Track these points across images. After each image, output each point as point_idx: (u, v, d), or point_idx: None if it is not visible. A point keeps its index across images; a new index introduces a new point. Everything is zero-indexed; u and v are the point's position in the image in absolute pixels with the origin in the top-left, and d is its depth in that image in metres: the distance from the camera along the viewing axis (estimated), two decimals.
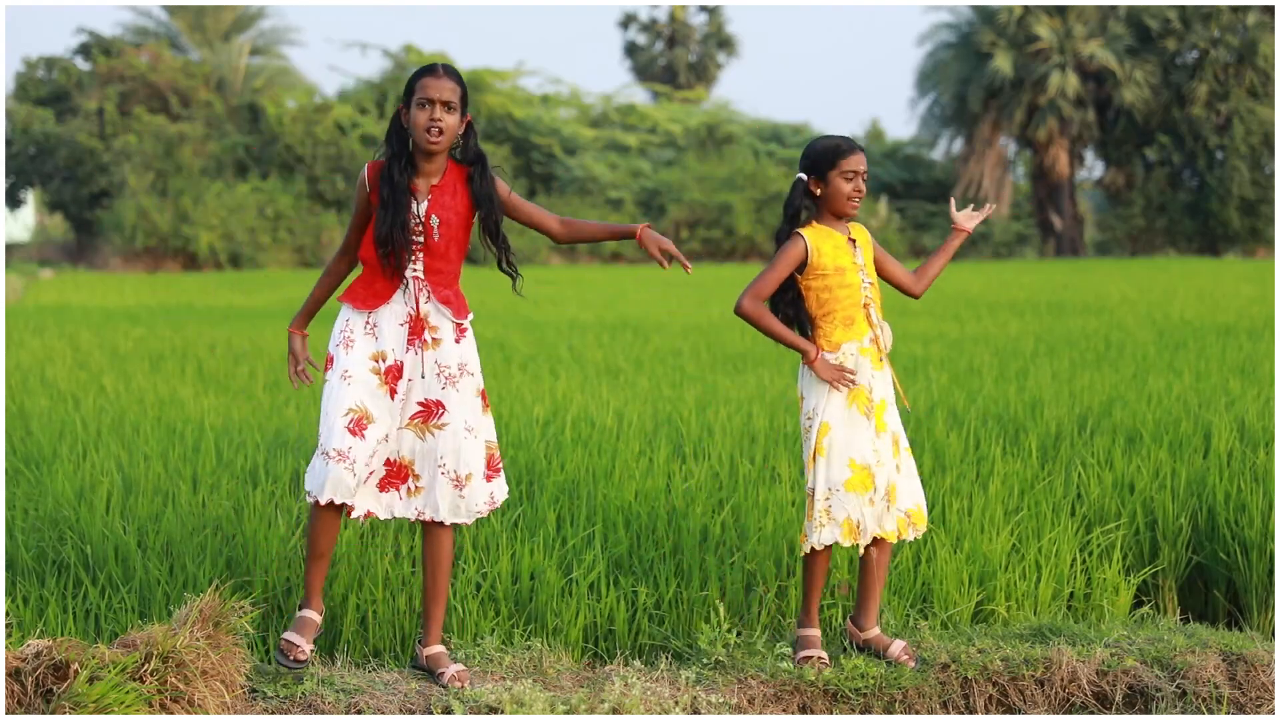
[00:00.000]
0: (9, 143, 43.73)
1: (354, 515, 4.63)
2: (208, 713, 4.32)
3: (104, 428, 8.24)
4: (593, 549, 5.72)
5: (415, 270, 4.65)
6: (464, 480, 4.64)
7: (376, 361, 4.60)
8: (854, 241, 5.02)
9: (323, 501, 4.52)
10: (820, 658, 5.00)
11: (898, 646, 5.07)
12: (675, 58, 68.00)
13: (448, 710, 4.56)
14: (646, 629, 5.35)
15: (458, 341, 4.70)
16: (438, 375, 4.65)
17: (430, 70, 4.63)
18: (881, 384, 4.99)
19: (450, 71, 4.64)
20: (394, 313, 4.63)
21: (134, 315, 19.32)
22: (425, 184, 4.68)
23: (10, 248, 48.78)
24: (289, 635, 4.65)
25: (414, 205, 4.64)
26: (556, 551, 5.62)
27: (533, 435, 7.58)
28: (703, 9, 68.67)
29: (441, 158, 4.69)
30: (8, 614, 4.94)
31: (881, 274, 5.16)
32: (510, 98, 50.30)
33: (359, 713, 4.53)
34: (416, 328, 4.63)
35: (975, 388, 9.60)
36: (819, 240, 4.97)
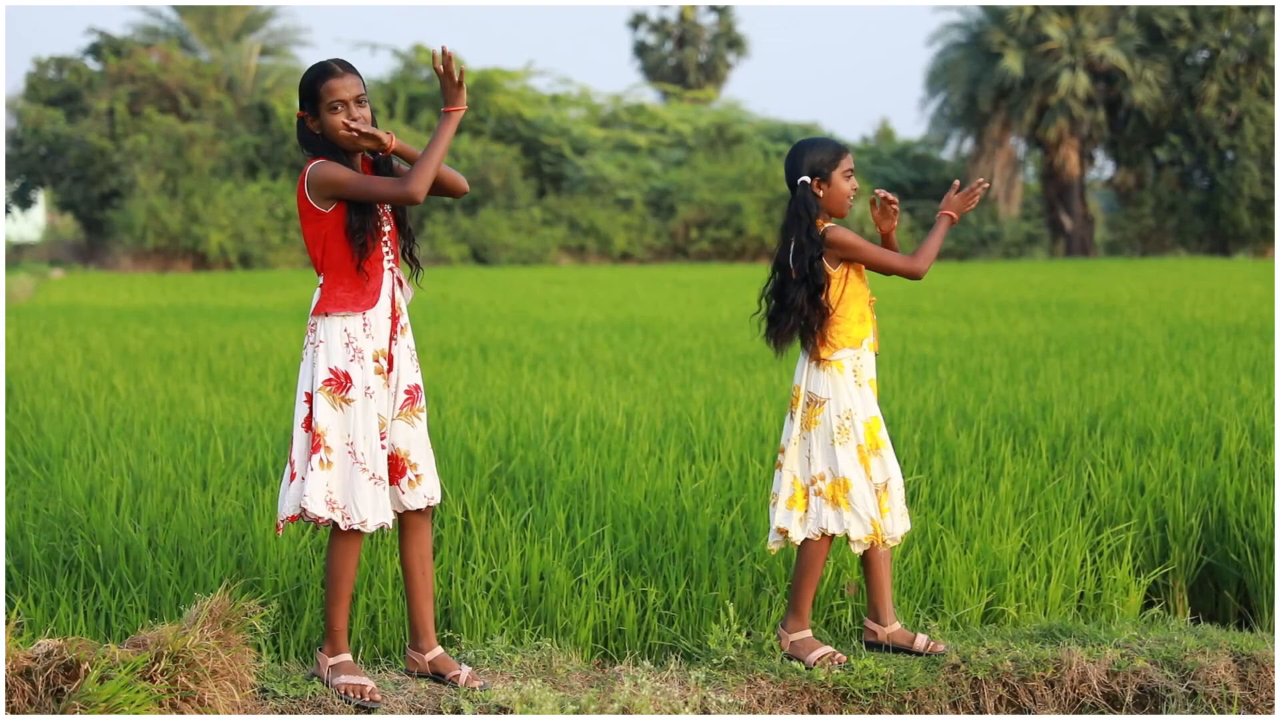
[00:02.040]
0: (19, 143, 43.81)
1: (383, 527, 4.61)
2: (218, 712, 4.32)
3: (114, 427, 8.25)
4: (602, 549, 5.72)
5: (389, 262, 4.63)
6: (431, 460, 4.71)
7: (379, 361, 4.58)
8: None
9: (374, 527, 4.52)
10: (835, 655, 5.00)
11: (922, 640, 5.07)
12: (685, 58, 67.98)
13: (457, 710, 4.56)
14: (656, 629, 5.35)
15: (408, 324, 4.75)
16: (411, 359, 4.67)
17: (330, 72, 4.54)
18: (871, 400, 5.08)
19: (348, 66, 4.57)
20: (384, 308, 4.61)
21: (144, 315, 19.35)
22: None
23: (21, 247, 48.86)
24: (350, 680, 4.61)
25: None
26: (566, 551, 5.62)
27: (542, 435, 7.59)
28: (712, 9, 68.64)
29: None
30: (19, 613, 4.95)
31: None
32: (520, 98, 50.29)
33: (370, 713, 4.53)
34: (395, 317, 4.64)
35: (985, 388, 9.59)
36: None
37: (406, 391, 4.63)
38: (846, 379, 4.98)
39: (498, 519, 6.03)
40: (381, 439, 4.55)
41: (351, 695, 4.57)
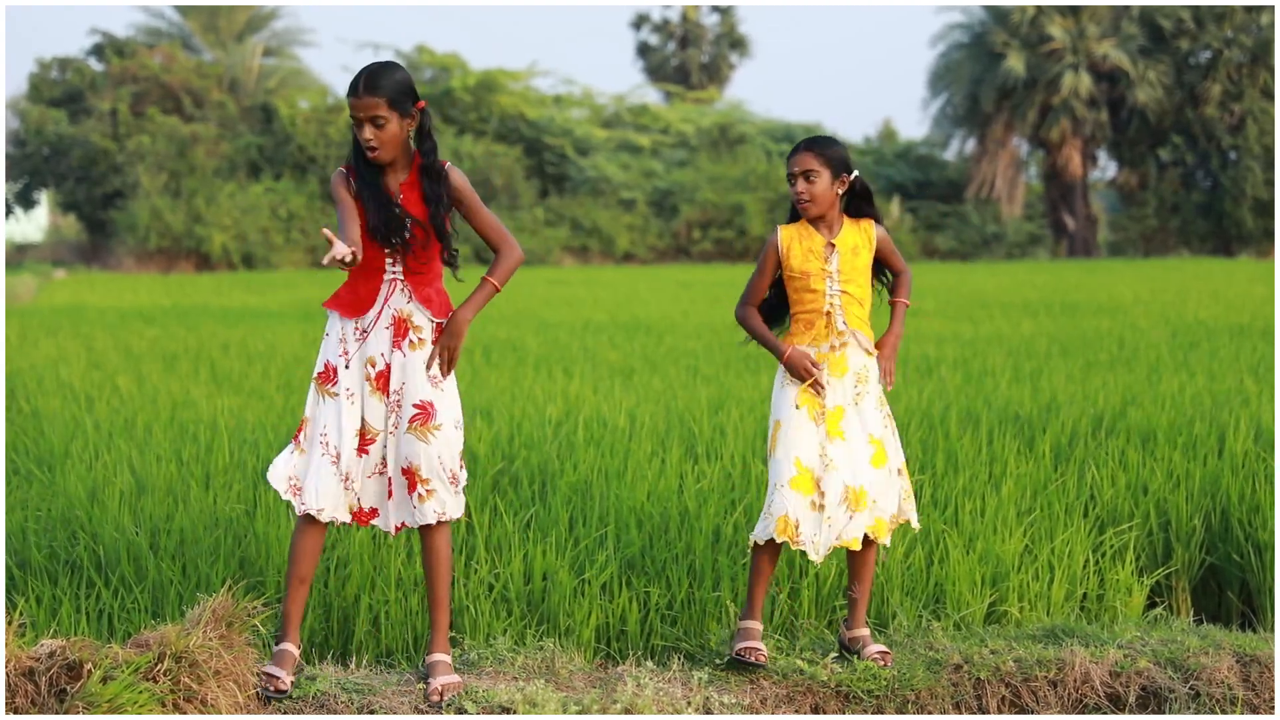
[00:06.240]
0: (23, 143, 43.86)
1: (378, 525, 4.67)
2: (220, 713, 4.32)
3: (116, 428, 8.25)
4: (605, 549, 5.72)
5: (395, 272, 4.63)
6: (457, 477, 4.65)
7: (369, 368, 4.59)
8: (833, 246, 4.98)
9: (327, 519, 4.56)
10: (756, 649, 4.92)
11: (873, 648, 5.04)
12: (688, 58, 67.98)
13: (460, 710, 4.56)
14: (659, 629, 5.35)
15: (435, 342, 4.66)
16: (424, 375, 4.62)
17: (351, 90, 4.52)
18: (838, 392, 4.94)
19: (371, 85, 4.49)
20: (380, 316, 4.62)
21: (148, 315, 19.36)
22: (395, 182, 4.62)
23: (24, 248, 48.95)
24: (269, 668, 4.59)
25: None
26: (569, 552, 5.62)
27: (545, 436, 7.58)
28: (715, 9, 68.64)
29: (398, 157, 4.61)
30: (21, 613, 4.96)
31: (889, 268, 5.16)
32: (523, 98, 50.31)
33: (371, 713, 4.53)
34: (401, 329, 4.62)
35: (989, 388, 9.58)
36: (790, 239, 4.99)
37: (416, 405, 4.59)
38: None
39: (500, 519, 6.03)
40: (366, 443, 4.58)
41: (264, 685, 4.54)
